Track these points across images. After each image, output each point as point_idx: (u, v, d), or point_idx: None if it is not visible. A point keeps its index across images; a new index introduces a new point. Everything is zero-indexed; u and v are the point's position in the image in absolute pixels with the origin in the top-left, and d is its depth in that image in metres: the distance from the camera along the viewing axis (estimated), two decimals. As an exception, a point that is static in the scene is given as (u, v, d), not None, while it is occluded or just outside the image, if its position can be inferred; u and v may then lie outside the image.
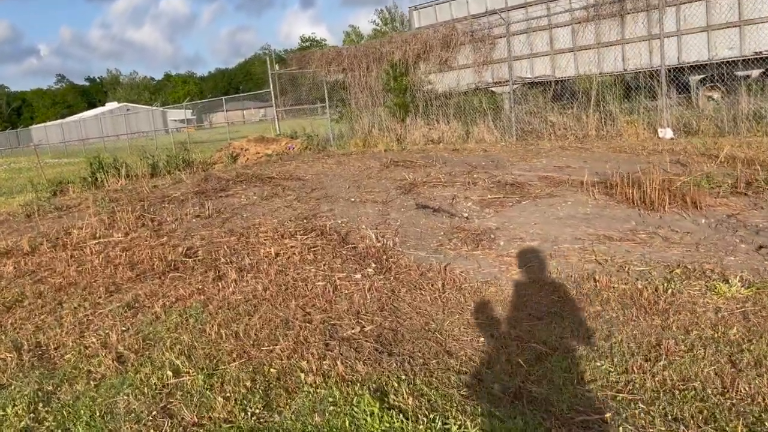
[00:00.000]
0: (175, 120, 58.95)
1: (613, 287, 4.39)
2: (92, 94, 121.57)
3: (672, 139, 11.90)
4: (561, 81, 16.04)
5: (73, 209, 10.33)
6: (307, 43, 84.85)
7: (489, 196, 7.68)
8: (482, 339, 3.80)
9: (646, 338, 3.55)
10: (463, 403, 3.03)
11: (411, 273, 5.08)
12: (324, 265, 5.45)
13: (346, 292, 4.77)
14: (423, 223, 6.73)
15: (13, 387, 3.80)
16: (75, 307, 5.20)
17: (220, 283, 5.27)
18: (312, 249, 5.95)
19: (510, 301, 4.39)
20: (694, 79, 13.91)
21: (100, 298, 5.33)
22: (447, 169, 9.86)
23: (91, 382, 3.72)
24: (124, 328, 4.60)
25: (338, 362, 3.55)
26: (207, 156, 16.26)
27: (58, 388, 3.70)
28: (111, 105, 78.48)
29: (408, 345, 3.79)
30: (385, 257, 5.55)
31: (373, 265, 5.34)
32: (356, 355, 3.68)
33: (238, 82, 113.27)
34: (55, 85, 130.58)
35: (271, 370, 3.59)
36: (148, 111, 49.80)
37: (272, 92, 21.96)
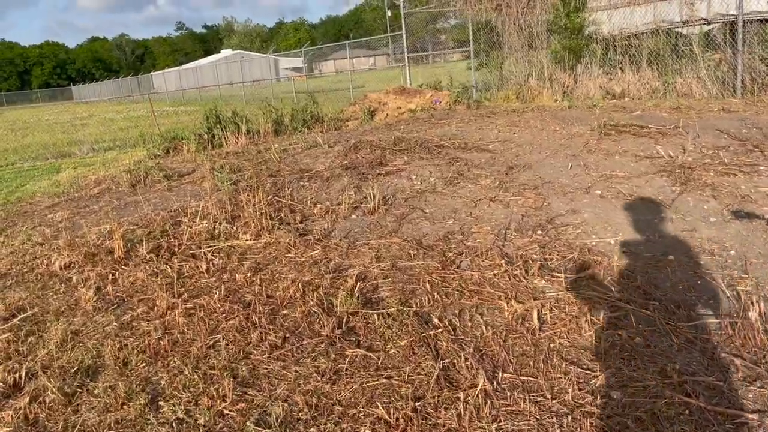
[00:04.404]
0: (287, 68, 57.58)
1: None
2: (209, 41, 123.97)
3: None
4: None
5: (186, 178, 8.11)
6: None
7: None
8: None
9: None
10: None
11: None
12: (692, 389, 2.57)
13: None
14: (776, 253, 3.67)
15: None
16: (179, 419, 2.71)
17: (456, 397, 2.57)
18: (613, 321, 3.08)
19: None
20: None
21: (224, 398, 2.81)
22: (707, 140, 6.59)
23: None
24: None
25: None
26: (336, 109, 13.71)
27: None
28: (225, 52, 78.46)
29: None
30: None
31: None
32: None
33: (348, 30, 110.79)
34: (175, 32, 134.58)
35: None
36: (262, 58, 48.39)
37: (404, 35, 19.00)
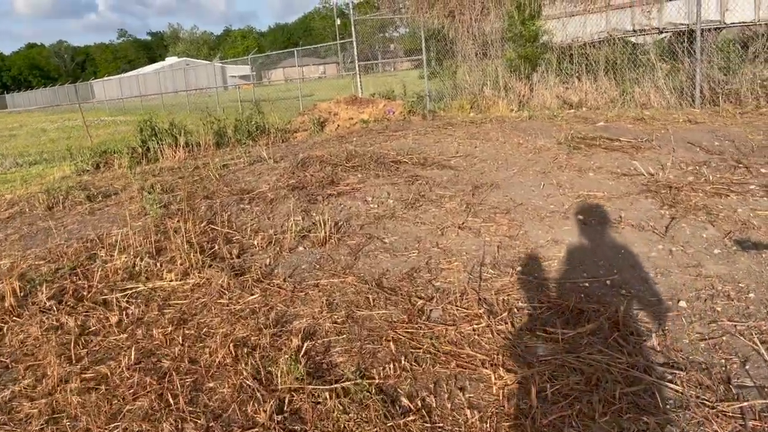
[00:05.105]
0: (235, 76, 56.18)
1: None
2: (153, 48, 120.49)
3: None
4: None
5: (111, 199, 7.17)
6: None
7: None
8: None
9: None
10: None
11: None
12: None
13: None
14: (798, 294, 3.11)
15: None
16: None
17: None
18: (633, 400, 2.43)
19: None
20: None
21: None
22: (683, 155, 6.12)
23: None
24: None
25: None
26: (284, 119, 12.87)
27: None
28: (170, 60, 76.13)
29: None
30: None
31: None
32: None
33: (298, 38, 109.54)
34: (117, 39, 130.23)
35: None
36: (208, 66, 46.92)
37: (354, 42, 18.34)
